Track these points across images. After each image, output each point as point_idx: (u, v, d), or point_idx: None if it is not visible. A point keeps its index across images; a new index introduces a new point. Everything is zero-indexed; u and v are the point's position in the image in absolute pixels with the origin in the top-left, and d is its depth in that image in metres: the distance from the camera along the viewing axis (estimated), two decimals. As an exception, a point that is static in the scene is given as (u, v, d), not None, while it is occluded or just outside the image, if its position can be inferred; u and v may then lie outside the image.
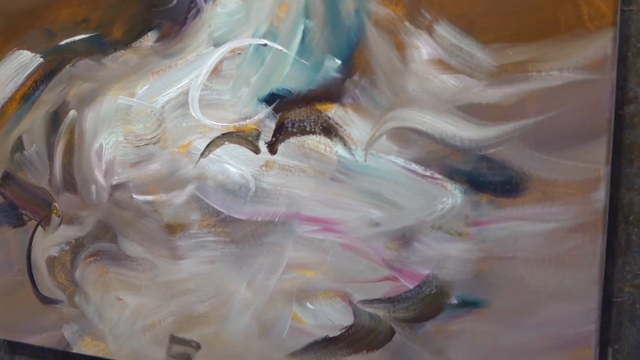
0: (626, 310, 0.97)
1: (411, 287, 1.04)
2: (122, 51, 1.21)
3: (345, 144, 1.04)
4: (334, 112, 1.04)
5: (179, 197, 1.19)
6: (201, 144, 1.16)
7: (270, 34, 1.08)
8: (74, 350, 1.38)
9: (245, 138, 1.12)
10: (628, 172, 0.94)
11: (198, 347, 1.21)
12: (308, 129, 1.07)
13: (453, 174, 0.98)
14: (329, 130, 1.05)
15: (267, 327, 1.16)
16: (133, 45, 1.19)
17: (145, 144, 1.21)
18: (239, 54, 1.11)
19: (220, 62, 1.13)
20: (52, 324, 1.39)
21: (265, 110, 1.10)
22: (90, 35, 1.24)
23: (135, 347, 1.30)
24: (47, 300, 1.39)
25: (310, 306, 1.12)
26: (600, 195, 0.90)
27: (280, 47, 1.07)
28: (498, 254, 0.97)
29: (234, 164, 1.14)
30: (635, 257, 0.95)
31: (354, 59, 1.02)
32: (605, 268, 0.94)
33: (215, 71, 1.13)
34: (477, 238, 0.98)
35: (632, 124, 0.93)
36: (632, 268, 0.96)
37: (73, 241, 1.33)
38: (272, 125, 1.10)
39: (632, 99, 0.92)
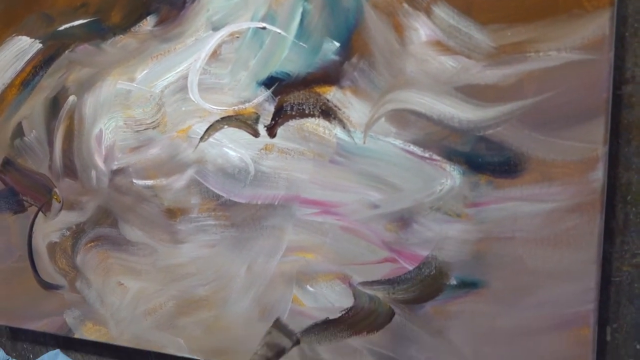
0: (624, 290, 0.98)
1: (410, 268, 1.04)
2: (121, 36, 1.21)
3: (344, 126, 1.05)
4: (332, 94, 1.05)
5: (179, 181, 1.20)
6: (200, 128, 1.17)
7: (269, 17, 1.08)
8: (76, 336, 1.38)
9: (245, 122, 1.13)
10: (626, 151, 0.94)
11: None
12: (307, 111, 1.07)
13: (452, 155, 0.99)
14: (327, 112, 1.06)
15: (267, 310, 1.16)
16: (132, 29, 1.20)
17: (145, 129, 1.22)
18: (237, 37, 1.11)
19: (219, 46, 1.13)
20: (54, 310, 1.40)
21: (264, 94, 1.10)
22: (89, 20, 1.24)
23: (136, 331, 1.30)
24: (48, 286, 1.40)
25: (311, 289, 1.12)
26: (598, 175, 0.90)
27: (278, 30, 1.08)
28: (497, 234, 0.97)
29: (233, 147, 1.14)
30: (633, 237, 0.95)
31: (352, 41, 1.02)
32: (604, 248, 0.95)
33: (214, 55, 1.13)
34: (475, 219, 0.98)
35: (630, 103, 0.93)
36: (630, 247, 0.96)
37: (74, 227, 1.34)
38: (271, 108, 1.10)
39: (630, 79, 0.92)
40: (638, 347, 0.99)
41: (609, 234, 0.96)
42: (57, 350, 1.46)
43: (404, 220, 1.03)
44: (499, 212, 0.97)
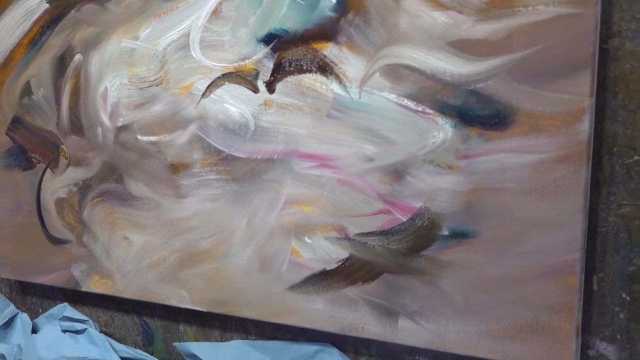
0: (610, 240, 1.00)
1: (404, 219, 1.07)
2: (125, -6, 1.24)
3: (340, 81, 1.07)
4: (329, 50, 1.07)
5: (182, 137, 1.23)
6: (202, 85, 1.20)
7: (268, -25, 1.11)
8: (83, 289, 1.42)
9: (245, 78, 1.15)
10: (612, 104, 0.96)
11: None
12: (305, 67, 1.10)
13: (444, 109, 1.01)
14: (324, 68, 1.08)
15: (267, 262, 1.20)
16: (135, -12, 1.23)
17: (149, 86, 1.25)
18: (237, -5, 1.14)
19: (220, 3, 1.15)
20: (62, 264, 1.44)
21: (263, 51, 1.13)
22: (94, -21, 1.28)
23: (141, 284, 1.34)
24: (56, 241, 1.44)
25: (309, 240, 1.16)
26: (585, 126, 0.93)
27: (277, -12, 1.11)
28: (487, 185, 1.00)
29: (234, 103, 1.17)
30: (619, 188, 0.98)
31: (348, -2, 1.05)
32: (590, 199, 0.97)
33: (215, 13, 1.16)
34: (466, 170, 1.01)
35: (617, 57, 0.95)
36: (616, 198, 0.99)
37: (80, 182, 1.37)
38: (270, 65, 1.13)
39: (616, 33, 0.95)
40: (624, 295, 1.02)
41: (596, 186, 0.99)
42: (65, 304, 1.51)
43: (398, 172, 1.06)
44: (489, 163, 0.99)
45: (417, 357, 1.20)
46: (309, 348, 1.27)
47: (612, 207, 0.99)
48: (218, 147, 1.20)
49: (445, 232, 1.05)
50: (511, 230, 1.00)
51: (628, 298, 1.02)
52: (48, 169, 1.41)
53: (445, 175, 1.03)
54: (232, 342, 1.35)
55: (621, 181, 0.98)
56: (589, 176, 0.95)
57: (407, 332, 1.11)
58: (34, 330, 1.52)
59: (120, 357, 1.41)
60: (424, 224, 1.06)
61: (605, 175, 0.98)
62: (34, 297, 1.60)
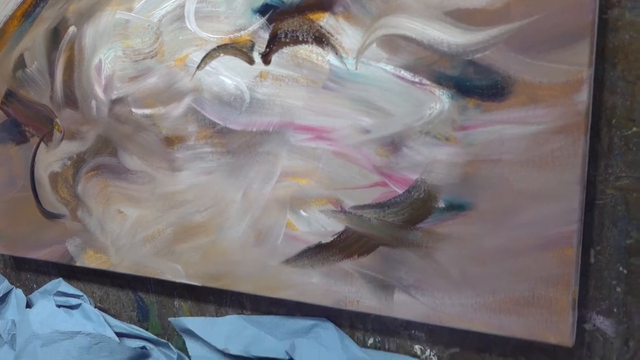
0: (608, 212, 1.00)
1: (400, 192, 1.07)
2: (119, -35, 1.23)
3: (336, 52, 1.06)
4: (325, 21, 1.06)
5: (177, 109, 1.22)
6: (197, 57, 1.19)
7: (264, -56, 1.10)
8: (77, 264, 1.42)
9: (240, 49, 1.14)
10: (611, 75, 0.96)
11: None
12: (300, 38, 1.09)
13: (441, 80, 1.00)
14: (320, 39, 1.07)
15: (262, 235, 1.19)
16: (129, -42, 1.21)
17: (143, 59, 1.24)
18: (233, -35, 1.13)
19: (215, -27, 1.14)
20: (56, 238, 1.44)
21: (259, 21, 1.12)
22: (87, -51, 1.26)
23: (136, 258, 1.34)
24: (50, 215, 1.43)
25: (304, 213, 1.15)
26: (583, 97, 0.92)
27: (273, -43, 1.09)
28: (484, 157, 0.99)
29: (229, 75, 1.16)
30: (618, 160, 0.97)
31: (345, -33, 1.04)
32: (588, 171, 0.97)
33: (211, -17, 1.15)
34: (463, 142, 1.00)
35: (616, 27, 0.94)
36: (615, 170, 0.98)
37: (74, 156, 1.36)
38: (265, 36, 1.12)
39: (616, 3, 0.94)
40: (621, 269, 1.02)
41: (594, 158, 0.98)
42: (60, 279, 1.50)
43: (394, 144, 1.05)
44: (486, 135, 0.99)
45: (412, 332, 1.20)
46: (304, 322, 1.27)
47: (610, 179, 0.99)
48: (213, 119, 1.19)
49: (442, 205, 1.04)
50: (508, 202, 0.99)
51: (625, 271, 1.02)
52: (42, 143, 1.40)
53: (442, 146, 1.02)
54: (227, 317, 1.35)
55: (619, 153, 0.97)
56: (587, 148, 0.94)
57: (402, 306, 1.11)
58: (29, 306, 1.52)
59: (115, 333, 1.40)
60: (420, 196, 1.05)
61: (604, 147, 0.98)
62: (29, 272, 1.59)
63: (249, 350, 1.29)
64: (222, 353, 1.31)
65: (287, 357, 1.25)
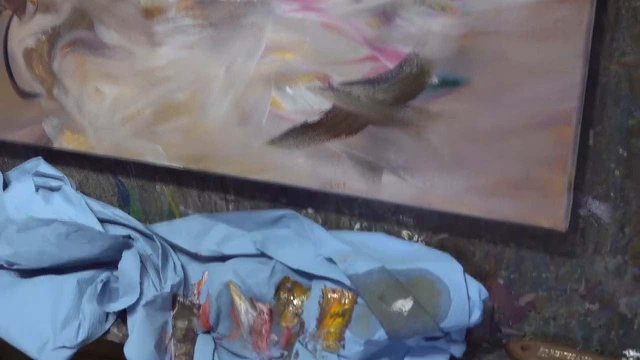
0: (611, 90, 0.94)
1: (391, 67, 1.01)
2: None
3: None
4: None
5: (155, -23, 1.15)
6: None
7: None
8: (55, 145, 1.36)
9: None
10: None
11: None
12: None
13: (438, -58, 0.93)
14: None
15: (246, 114, 1.14)
16: None
17: None
18: None
19: None
20: (32, 118, 1.37)
21: None
22: None
23: (115, 139, 1.28)
24: (25, 94, 1.37)
25: (290, 91, 1.09)
26: (590, -40, 0.86)
27: None
28: (481, 28, 0.93)
29: (211, -61, 1.09)
30: (624, 33, 0.91)
31: None
32: (592, 46, 0.91)
33: None
34: (460, 12, 0.94)
35: None
36: (620, 45, 0.92)
37: (49, 30, 1.29)
38: None
39: None
40: (621, 151, 0.97)
41: (599, 31, 0.92)
42: (39, 158, 1.44)
43: (386, 14, 0.99)
44: (485, 4, 0.92)
45: (400, 217, 1.16)
46: (272, 214, 1.26)
47: (614, 54, 0.93)
48: (194, -12, 1.12)
49: (435, 80, 0.99)
50: (505, 77, 0.94)
51: (625, 154, 0.97)
52: (15, 16, 1.32)
53: (437, 17, 0.96)
54: (192, 217, 1.35)
55: (626, 26, 0.91)
56: (592, 18, 0.88)
57: (390, 188, 1.07)
58: (6, 186, 1.46)
59: (98, 219, 1.35)
60: (412, 71, 1.00)
61: (610, 18, 0.91)
62: (6, 156, 1.54)
63: (220, 250, 1.27)
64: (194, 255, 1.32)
65: (259, 252, 1.23)
